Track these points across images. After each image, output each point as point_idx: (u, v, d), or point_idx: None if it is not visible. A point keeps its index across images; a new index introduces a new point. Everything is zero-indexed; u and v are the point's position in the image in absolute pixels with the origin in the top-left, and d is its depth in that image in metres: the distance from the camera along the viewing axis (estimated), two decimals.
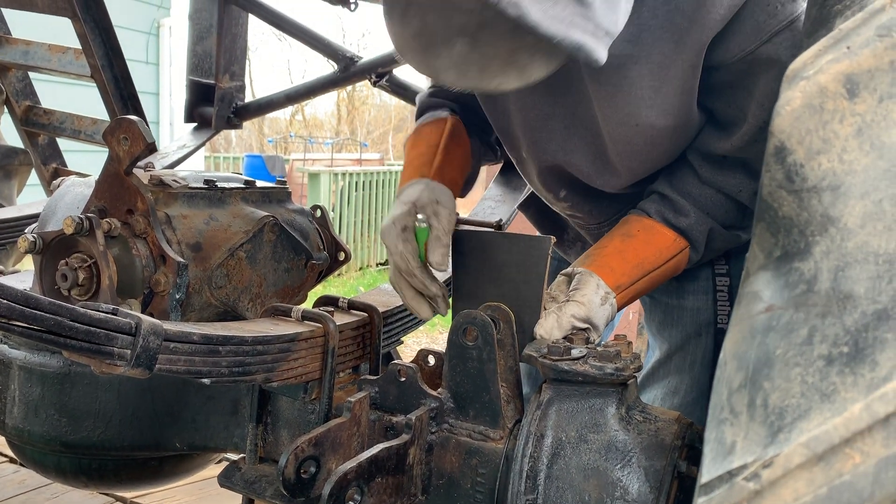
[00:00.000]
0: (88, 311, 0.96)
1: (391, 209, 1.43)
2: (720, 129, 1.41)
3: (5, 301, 0.85)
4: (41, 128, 2.91)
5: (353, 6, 2.47)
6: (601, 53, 1.06)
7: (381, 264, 9.87)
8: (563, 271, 1.46)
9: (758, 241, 0.66)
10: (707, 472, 0.54)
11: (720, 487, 0.50)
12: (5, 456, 2.95)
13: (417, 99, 1.74)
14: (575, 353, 1.22)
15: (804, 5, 1.23)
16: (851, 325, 0.53)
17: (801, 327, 0.56)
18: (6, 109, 2.97)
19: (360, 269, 9.42)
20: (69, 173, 2.88)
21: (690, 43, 1.27)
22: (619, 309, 1.44)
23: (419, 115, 1.70)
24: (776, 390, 0.53)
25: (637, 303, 2.70)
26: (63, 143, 3.06)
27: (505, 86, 1.10)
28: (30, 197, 3.11)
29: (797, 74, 0.63)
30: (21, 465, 2.81)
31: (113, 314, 1.00)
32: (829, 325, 0.54)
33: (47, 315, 0.90)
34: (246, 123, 3.17)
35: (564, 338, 1.32)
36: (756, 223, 0.67)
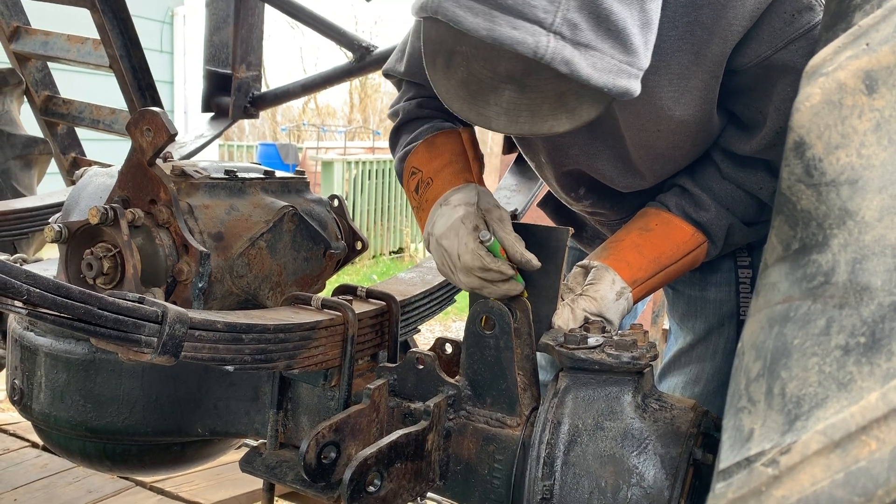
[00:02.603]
0: (116, 299, 0.98)
1: (443, 214, 1.38)
2: (742, 130, 1.42)
3: (38, 290, 0.88)
4: (60, 117, 2.94)
5: None
6: (638, 88, 1.08)
7: (393, 252, 9.90)
8: (580, 262, 1.47)
9: (776, 233, 0.67)
10: (725, 459, 0.55)
11: (739, 473, 0.52)
12: (27, 441, 3.00)
13: (400, 108, 1.65)
14: (591, 341, 1.24)
15: (820, 15, 1.24)
16: (868, 317, 0.54)
17: (818, 318, 0.57)
18: (26, 99, 3.00)
19: (374, 257, 9.45)
20: (88, 162, 2.91)
21: (711, 55, 1.28)
22: (636, 302, 1.45)
23: (404, 122, 1.63)
24: (793, 379, 0.54)
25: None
26: (81, 132, 3.09)
27: (557, 129, 1.11)
28: (49, 186, 3.15)
29: (816, 71, 0.64)
30: (43, 449, 2.86)
31: (140, 303, 1.02)
32: (847, 316, 0.55)
33: (77, 304, 0.93)
34: (259, 112, 3.19)
35: (581, 326, 1.33)
36: (775, 216, 0.68)
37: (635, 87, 1.07)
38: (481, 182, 1.48)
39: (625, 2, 1.02)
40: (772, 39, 1.27)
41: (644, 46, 1.07)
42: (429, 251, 1.45)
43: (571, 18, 0.98)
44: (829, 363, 0.54)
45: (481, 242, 1.30)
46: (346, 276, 7.47)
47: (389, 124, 1.76)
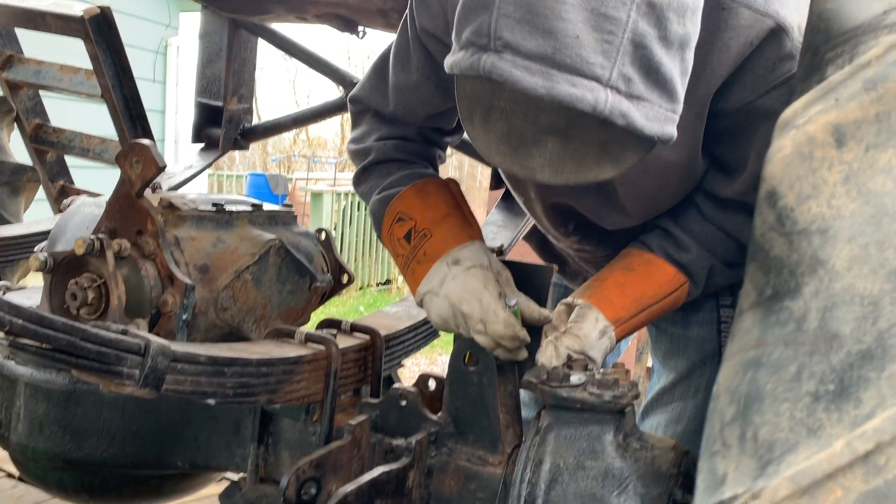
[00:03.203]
0: (99, 331, 0.98)
1: (456, 276, 1.35)
2: (724, 174, 1.44)
3: (20, 321, 0.88)
4: (50, 145, 2.95)
5: (361, 34, 2.52)
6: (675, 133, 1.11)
7: (381, 284, 9.89)
8: (564, 300, 1.48)
9: (750, 279, 0.68)
10: (700, 502, 0.56)
11: None
12: (2, 470, 2.95)
13: (372, 147, 1.58)
14: (574, 379, 1.24)
15: None
16: (837, 364, 0.56)
17: (790, 364, 0.58)
18: (16, 126, 3.01)
19: (361, 288, 9.43)
20: (76, 191, 2.91)
21: (696, 98, 1.31)
22: (619, 340, 1.46)
23: (377, 162, 1.57)
24: (766, 424, 0.56)
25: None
26: (70, 160, 3.10)
27: (602, 176, 1.12)
28: (36, 213, 3.15)
29: (788, 123, 0.66)
30: (19, 479, 2.81)
31: (123, 335, 1.02)
32: (817, 362, 0.57)
33: (60, 335, 0.93)
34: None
35: (564, 364, 1.34)
36: (749, 263, 0.70)
37: (675, 132, 1.09)
38: (482, 238, 1.47)
39: (670, 53, 1.05)
40: (754, 85, 1.30)
41: (683, 92, 1.10)
42: (421, 305, 1.41)
43: (626, 73, 1.01)
44: (800, 409, 0.55)
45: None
46: (333, 308, 7.45)
47: None
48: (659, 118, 1.05)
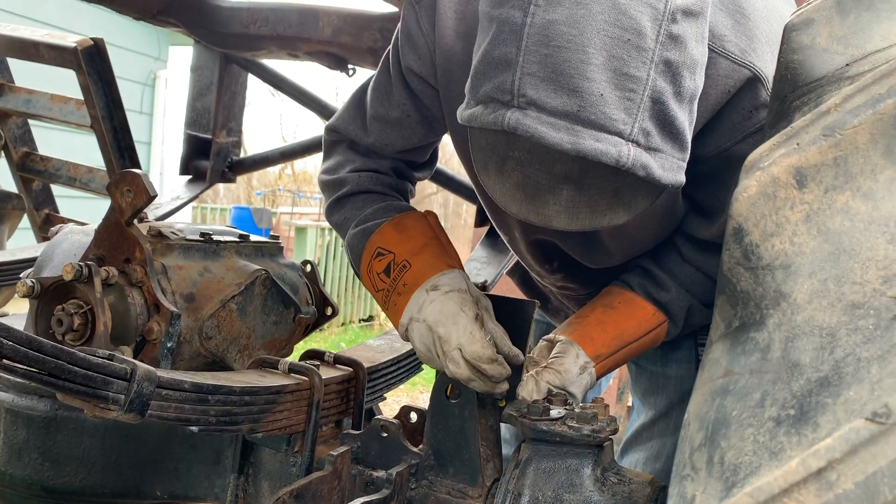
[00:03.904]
0: (87, 355, 0.99)
1: (434, 300, 1.36)
2: (703, 217, 1.49)
3: (10, 343, 0.89)
4: (37, 174, 2.96)
5: (351, 72, 2.57)
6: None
7: (363, 320, 9.86)
8: (546, 337, 1.51)
9: (719, 312, 0.72)
10: None
11: None
12: None
13: (347, 178, 1.58)
14: (553, 413, 1.26)
15: None
16: (798, 391, 0.59)
17: (754, 391, 0.61)
18: (3, 154, 3.02)
19: (343, 324, 9.40)
20: (62, 219, 2.91)
21: None
22: (599, 377, 1.49)
23: (352, 194, 1.57)
24: (731, 448, 0.58)
25: (619, 369, 2.74)
26: (55, 189, 3.11)
27: (616, 221, 1.16)
28: (19, 241, 3.14)
29: (754, 165, 0.70)
30: None
31: (110, 360, 1.03)
32: (779, 390, 0.60)
33: (48, 358, 0.94)
34: None
35: (544, 399, 1.36)
36: (718, 296, 0.73)
37: (684, 179, 1.14)
38: (462, 267, 1.50)
39: (682, 106, 1.10)
40: (731, 132, 1.35)
41: (690, 142, 1.15)
42: (405, 337, 1.42)
43: (645, 127, 1.06)
44: (763, 433, 0.58)
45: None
46: (313, 343, 7.41)
47: None
48: (673, 168, 1.11)
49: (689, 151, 1.15)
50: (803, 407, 0.57)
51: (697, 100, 1.15)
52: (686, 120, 1.12)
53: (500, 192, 1.16)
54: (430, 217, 1.54)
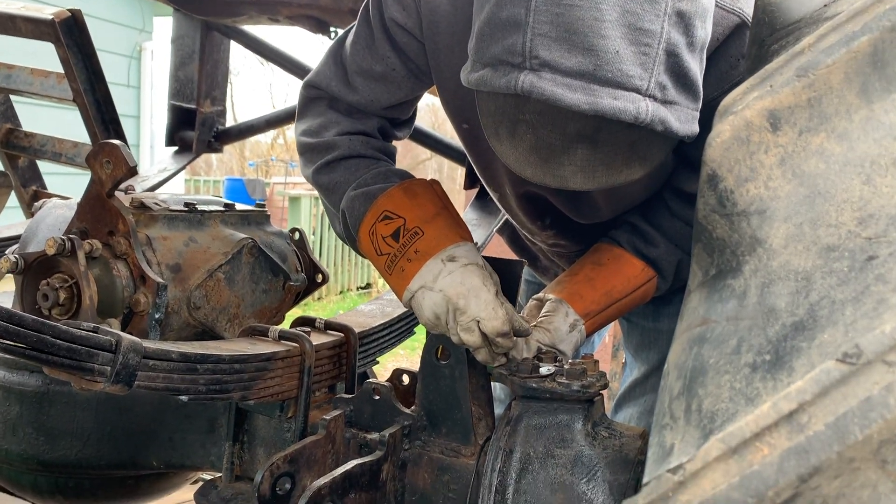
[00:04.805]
0: (70, 328, 0.99)
1: (452, 271, 1.33)
2: (691, 170, 1.47)
3: None
4: (22, 150, 2.92)
5: (332, 35, 2.53)
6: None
7: (361, 288, 9.88)
8: (535, 296, 1.51)
9: (696, 260, 0.71)
10: (648, 473, 0.58)
11: (652, 483, 0.55)
12: None
13: (337, 141, 1.52)
14: (543, 370, 1.27)
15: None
16: (773, 336, 0.59)
17: (731, 338, 0.61)
18: None
19: (341, 292, 9.42)
20: (49, 195, 2.89)
21: None
22: (589, 335, 1.49)
23: (343, 158, 1.52)
24: (708, 396, 0.58)
25: (613, 326, 2.74)
26: (43, 166, 3.08)
27: (633, 176, 1.15)
28: (7, 219, 3.12)
29: (727, 109, 0.69)
30: None
31: (94, 332, 1.03)
32: (755, 336, 0.60)
33: (30, 332, 0.93)
34: (227, 147, 3.21)
35: (534, 357, 1.36)
36: (694, 244, 0.73)
37: (698, 129, 1.13)
38: (472, 239, 1.46)
39: (694, 56, 1.09)
40: (718, 82, 1.33)
41: (702, 91, 1.14)
42: (409, 304, 1.38)
43: (661, 81, 1.05)
44: (739, 380, 0.58)
45: None
46: (312, 312, 7.43)
47: None
48: (688, 119, 1.10)
49: (701, 100, 1.14)
50: (779, 352, 0.57)
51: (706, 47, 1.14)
52: (698, 69, 1.11)
53: (514, 157, 1.14)
54: (436, 186, 1.51)
